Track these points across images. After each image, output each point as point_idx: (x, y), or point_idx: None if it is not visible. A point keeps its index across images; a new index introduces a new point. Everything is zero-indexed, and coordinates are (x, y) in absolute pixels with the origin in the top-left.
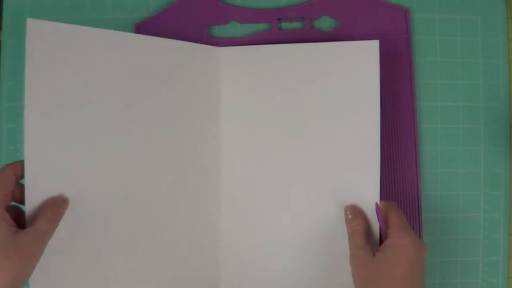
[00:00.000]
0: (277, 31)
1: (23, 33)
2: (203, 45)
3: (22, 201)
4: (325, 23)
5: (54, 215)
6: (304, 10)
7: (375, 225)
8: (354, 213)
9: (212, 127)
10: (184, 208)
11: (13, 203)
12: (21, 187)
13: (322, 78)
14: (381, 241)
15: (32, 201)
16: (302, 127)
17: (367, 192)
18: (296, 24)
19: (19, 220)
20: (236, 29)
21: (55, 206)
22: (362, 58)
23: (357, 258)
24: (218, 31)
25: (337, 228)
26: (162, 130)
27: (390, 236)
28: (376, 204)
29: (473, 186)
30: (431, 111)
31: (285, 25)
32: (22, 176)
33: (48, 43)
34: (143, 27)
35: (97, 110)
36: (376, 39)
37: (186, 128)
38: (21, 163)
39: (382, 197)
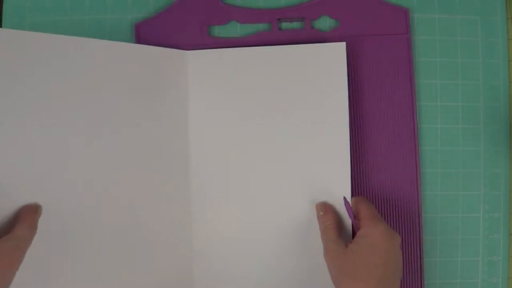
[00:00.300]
0: (277, 31)
1: None
2: (170, 49)
3: None
4: (325, 23)
5: (33, 221)
6: (304, 10)
7: (347, 220)
8: (325, 209)
9: (181, 130)
10: (154, 209)
11: None
12: None
13: (292, 80)
14: (354, 234)
15: (2, 208)
16: (272, 128)
17: (339, 189)
18: (296, 24)
19: None
20: (236, 29)
21: (32, 213)
22: (330, 59)
23: (330, 251)
24: (218, 31)
25: (311, 224)
26: (130, 134)
27: (362, 227)
28: (344, 198)
29: (473, 186)
30: (431, 111)
31: (285, 25)
32: None
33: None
34: (143, 27)
35: (63, 117)
36: (376, 39)
37: (155, 131)
38: None
39: (382, 197)
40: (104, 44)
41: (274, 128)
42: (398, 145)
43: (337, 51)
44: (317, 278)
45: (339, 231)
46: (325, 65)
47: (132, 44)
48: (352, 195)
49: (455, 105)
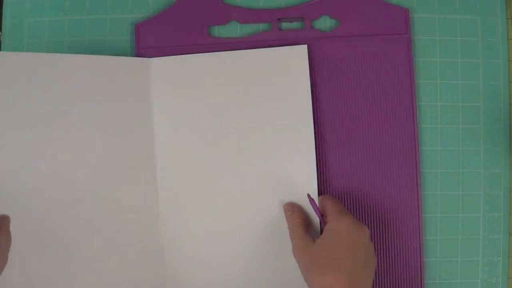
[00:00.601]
0: (277, 31)
1: (23, 34)
2: (132, 57)
3: None
4: (325, 23)
5: (8, 228)
6: (304, 10)
7: (315, 218)
8: (292, 209)
9: (147, 137)
10: (122, 216)
11: None
12: None
13: (256, 83)
14: (322, 231)
15: None
16: (238, 131)
17: (306, 188)
18: (296, 24)
19: None
20: (236, 29)
21: (4, 221)
22: (293, 62)
23: (298, 247)
24: (218, 31)
25: (280, 225)
26: (98, 143)
27: (328, 222)
28: (308, 195)
29: (473, 186)
30: (431, 111)
31: (285, 25)
32: None
33: None
34: (143, 27)
35: (29, 126)
36: (376, 39)
37: (121, 138)
38: None
39: (382, 197)
40: (66, 58)
41: (240, 131)
42: (398, 145)
43: (299, 53)
44: (288, 276)
45: (306, 228)
46: (288, 68)
47: (94, 56)
48: (349, 195)
49: (455, 105)
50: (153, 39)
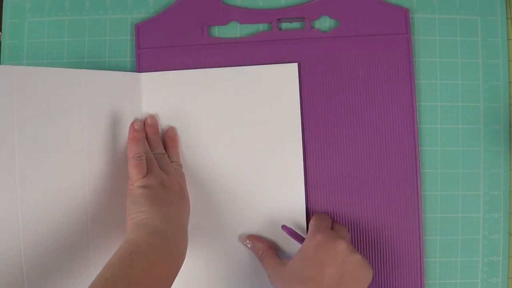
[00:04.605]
0: (277, 31)
1: (23, 34)
2: (123, 72)
3: None
4: (325, 23)
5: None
6: (304, 10)
7: (286, 240)
8: (252, 241)
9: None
10: (113, 236)
11: None
12: None
13: (246, 100)
14: None
15: None
16: (226, 149)
17: (294, 206)
18: (296, 25)
19: None
20: (236, 29)
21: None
22: (283, 80)
23: (271, 276)
24: (218, 31)
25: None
26: (86, 158)
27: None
28: (283, 226)
29: (473, 186)
30: (431, 111)
31: (285, 25)
32: None
33: None
34: (143, 27)
35: (17, 143)
36: (376, 39)
37: (111, 154)
38: None
39: (382, 198)
40: (58, 71)
41: (229, 148)
42: (398, 145)
43: (290, 71)
44: None
45: (275, 254)
46: (279, 86)
47: (85, 70)
48: (350, 199)
49: (455, 105)
50: (153, 39)
